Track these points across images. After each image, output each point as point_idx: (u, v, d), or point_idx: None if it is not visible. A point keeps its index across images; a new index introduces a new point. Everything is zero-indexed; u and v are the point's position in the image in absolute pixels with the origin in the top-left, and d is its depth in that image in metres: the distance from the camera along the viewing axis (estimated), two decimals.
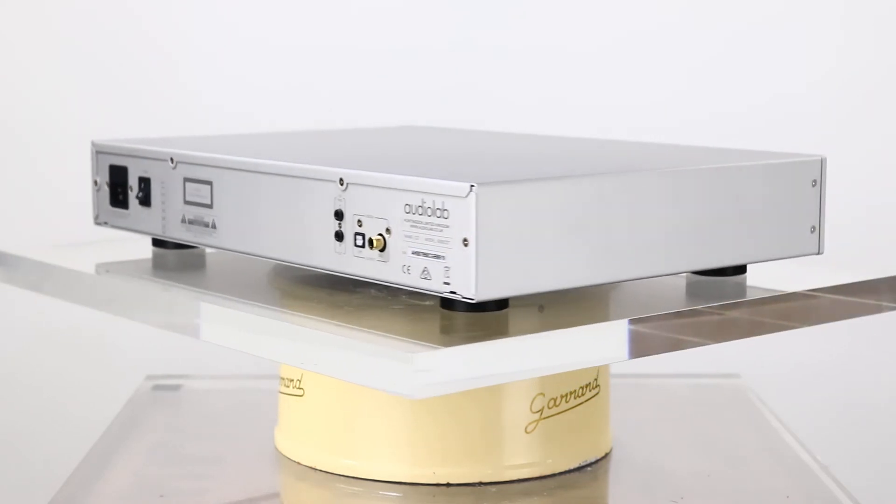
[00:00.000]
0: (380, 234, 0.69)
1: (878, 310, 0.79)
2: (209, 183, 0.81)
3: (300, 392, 0.83)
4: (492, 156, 0.82)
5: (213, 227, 0.81)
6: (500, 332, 0.66)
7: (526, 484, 0.80)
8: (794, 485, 0.83)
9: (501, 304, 0.68)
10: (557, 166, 0.76)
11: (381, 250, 0.69)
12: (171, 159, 0.83)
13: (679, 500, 0.80)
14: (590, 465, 0.83)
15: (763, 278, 0.79)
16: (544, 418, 0.80)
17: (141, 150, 0.86)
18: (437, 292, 0.66)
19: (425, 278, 0.67)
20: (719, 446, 0.91)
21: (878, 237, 1.47)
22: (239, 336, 0.74)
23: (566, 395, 0.81)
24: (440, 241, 0.66)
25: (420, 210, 0.67)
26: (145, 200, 0.85)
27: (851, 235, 1.46)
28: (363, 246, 0.70)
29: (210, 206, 0.81)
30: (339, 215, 0.71)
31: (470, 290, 0.65)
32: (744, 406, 1.00)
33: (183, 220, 0.83)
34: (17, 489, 1.46)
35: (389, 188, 0.68)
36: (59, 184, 1.41)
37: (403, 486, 0.79)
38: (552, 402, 0.80)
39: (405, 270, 0.68)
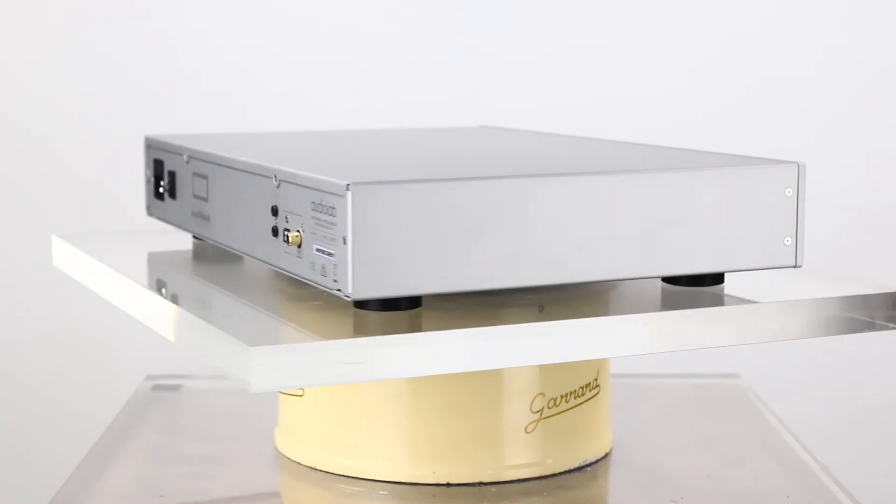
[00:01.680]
0: (297, 231, 0.70)
1: (870, 327, 0.75)
2: (206, 177, 0.83)
3: (300, 392, 0.83)
4: (419, 155, 0.81)
5: (208, 219, 0.82)
6: (370, 331, 0.66)
7: (526, 484, 0.80)
8: (794, 485, 0.83)
9: (414, 302, 0.68)
10: (470, 167, 0.75)
11: (299, 246, 0.69)
12: (185, 155, 0.85)
13: (679, 500, 0.80)
14: (590, 465, 0.83)
15: (740, 289, 0.76)
16: (544, 418, 0.80)
17: (170, 146, 0.88)
18: (329, 289, 0.67)
19: (323, 275, 0.67)
20: (719, 446, 0.91)
21: (882, 242, 1.47)
22: (153, 316, 0.76)
23: (566, 395, 0.81)
24: (331, 239, 0.66)
25: (320, 208, 0.67)
26: (172, 193, 0.88)
27: (853, 240, 1.46)
28: (287, 241, 0.70)
29: (206, 200, 0.83)
30: (274, 211, 0.72)
31: (348, 288, 0.65)
32: (744, 406, 1.00)
33: (193, 213, 0.85)
34: (17, 489, 1.46)
35: (302, 186, 0.69)
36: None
37: (403, 486, 0.79)
38: (552, 402, 0.80)
39: (313, 267, 0.68)
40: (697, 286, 0.75)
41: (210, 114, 1.43)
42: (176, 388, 1.06)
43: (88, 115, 1.44)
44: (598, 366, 0.83)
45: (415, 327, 0.67)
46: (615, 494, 0.82)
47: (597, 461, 0.84)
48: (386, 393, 0.79)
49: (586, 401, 0.82)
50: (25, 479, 1.45)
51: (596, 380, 0.83)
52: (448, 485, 0.79)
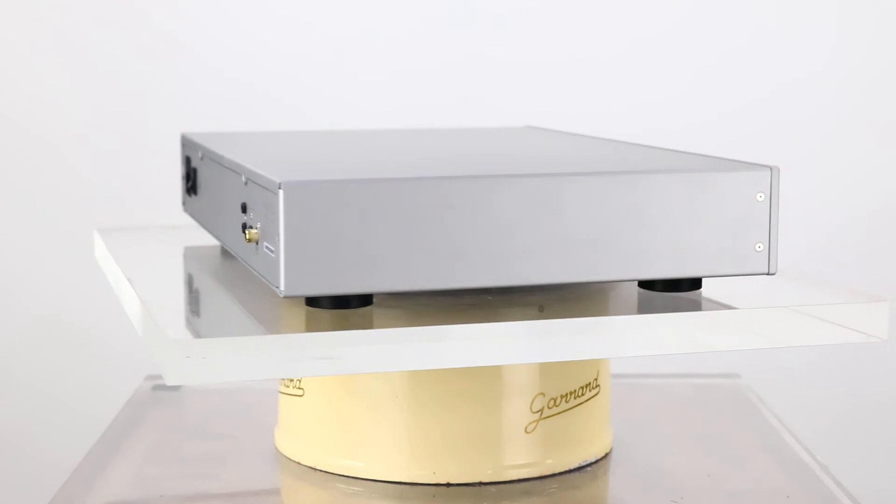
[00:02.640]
0: (255, 228, 0.70)
1: (865, 338, 0.74)
2: (209, 175, 0.84)
3: (300, 392, 0.83)
4: (384, 156, 0.81)
5: (212, 216, 0.84)
6: (299, 328, 0.67)
7: (526, 484, 0.80)
8: (794, 485, 0.83)
9: (364, 300, 0.69)
10: (417, 167, 0.75)
11: (256, 243, 0.70)
12: (200, 152, 0.86)
13: (679, 500, 0.80)
14: (590, 465, 0.83)
15: (717, 293, 0.75)
16: (544, 418, 0.80)
17: (193, 143, 0.89)
18: (272, 286, 0.67)
19: (269, 272, 0.68)
20: (719, 446, 0.91)
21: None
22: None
23: (566, 395, 0.81)
24: (274, 236, 0.67)
25: (267, 205, 0.68)
26: (195, 189, 0.89)
27: (853, 243, 1.46)
28: (247, 238, 0.71)
29: (210, 197, 0.84)
30: (243, 209, 0.73)
31: (280, 284, 0.66)
32: (744, 406, 1.00)
33: (206, 209, 0.86)
34: (17, 489, 1.46)
35: (258, 184, 0.70)
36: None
37: (403, 486, 0.79)
38: (552, 402, 0.80)
39: (264, 264, 0.69)
40: (674, 291, 0.74)
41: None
42: (176, 388, 1.06)
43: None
44: (598, 366, 0.83)
45: (353, 325, 0.67)
46: (615, 494, 0.82)
47: (597, 461, 0.84)
48: (386, 393, 0.79)
49: (586, 401, 0.82)
50: (25, 479, 1.45)
51: (596, 380, 0.83)
52: (448, 485, 0.79)
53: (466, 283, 0.68)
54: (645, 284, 0.75)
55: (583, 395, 0.82)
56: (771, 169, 0.71)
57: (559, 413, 0.81)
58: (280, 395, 0.86)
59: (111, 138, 1.45)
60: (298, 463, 0.84)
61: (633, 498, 0.81)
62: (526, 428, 0.80)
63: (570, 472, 0.82)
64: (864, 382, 1.47)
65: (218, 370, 0.64)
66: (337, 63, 1.45)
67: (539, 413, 0.80)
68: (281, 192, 0.65)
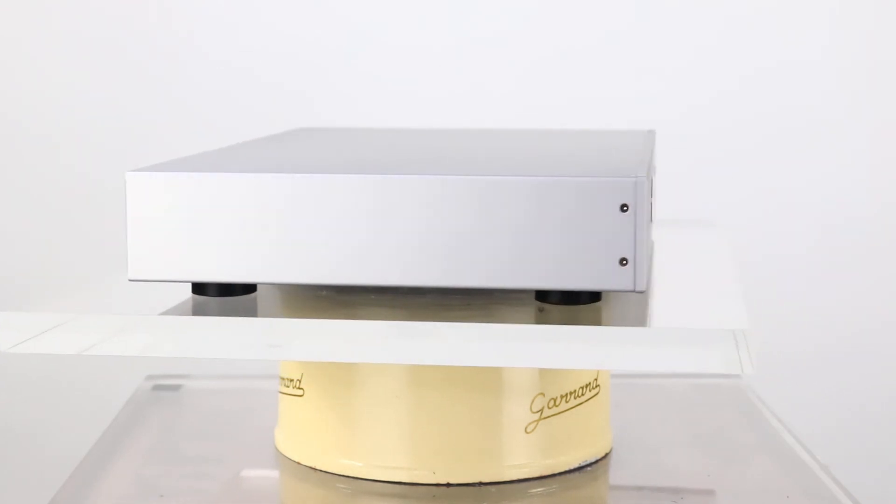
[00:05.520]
0: None
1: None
2: None
3: (300, 392, 0.83)
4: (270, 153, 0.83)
5: None
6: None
7: (526, 484, 0.80)
8: (794, 485, 0.83)
9: (248, 288, 0.72)
10: (262, 162, 0.76)
11: None
12: None
13: (679, 501, 0.80)
14: (590, 465, 0.83)
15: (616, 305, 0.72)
16: (544, 418, 0.80)
17: None
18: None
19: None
20: (719, 446, 0.91)
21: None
22: None
23: (566, 395, 0.81)
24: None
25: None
26: None
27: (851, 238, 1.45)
28: None
29: None
30: None
31: (128, 270, 0.70)
32: (744, 406, 1.00)
33: None
34: (17, 489, 1.46)
35: None
36: None
37: (403, 486, 0.79)
38: (552, 402, 0.80)
39: None
40: (573, 304, 0.71)
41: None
42: (176, 388, 1.06)
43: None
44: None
45: (215, 312, 0.71)
46: (615, 494, 0.82)
47: (597, 461, 0.84)
48: (386, 393, 0.79)
49: (586, 401, 0.82)
50: (25, 479, 1.45)
51: (596, 380, 0.83)
52: (448, 485, 0.79)
53: (300, 279, 0.69)
54: (540, 296, 0.72)
55: (583, 395, 0.82)
56: (635, 180, 0.67)
57: (559, 413, 0.81)
58: (280, 395, 0.86)
59: (111, 137, 1.45)
60: (298, 463, 0.84)
61: (633, 498, 0.81)
62: (526, 428, 0.80)
63: (570, 472, 0.82)
64: (865, 382, 1.47)
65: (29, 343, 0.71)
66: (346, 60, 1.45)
67: (539, 413, 0.80)
68: (126, 182, 0.69)
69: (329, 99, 1.45)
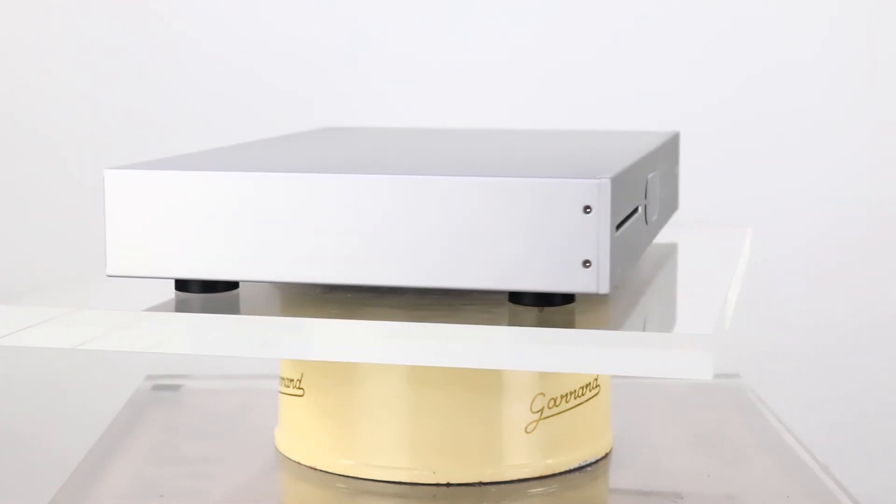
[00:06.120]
0: None
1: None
2: None
3: (300, 392, 0.83)
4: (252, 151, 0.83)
5: None
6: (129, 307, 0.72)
7: (526, 484, 0.80)
8: (794, 485, 0.83)
9: (231, 285, 0.73)
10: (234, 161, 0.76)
11: None
12: None
13: (679, 501, 0.80)
14: (590, 465, 0.83)
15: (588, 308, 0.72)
16: (544, 418, 0.80)
17: None
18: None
19: None
20: (719, 446, 0.91)
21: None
22: None
23: (566, 395, 0.81)
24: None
25: None
26: None
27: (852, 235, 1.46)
28: None
29: None
30: None
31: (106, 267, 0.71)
32: (744, 406, 1.00)
33: None
34: (17, 489, 1.46)
35: None
36: None
37: (403, 486, 0.79)
38: (552, 402, 0.80)
39: None
40: (547, 305, 0.70)
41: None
42: (176, 388, 1.06)
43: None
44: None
45: (194, 309, 0.72)
46: (615, 494, 0.82)
47: (597, 461, 0.84)
48: (386, 393, 0.79)
49: (586, 401, 0.82)
50: (26, 479, 1.45)
51: (596, 380, 0.83)
52: (448, 485, 0.79)
53: (270, 277, 0.70)
54: (513, 298, 0.71)
55: (583, 395, 0.82)
56: (599, 182, 0.66)
57: (559, 413, 0.81)
58: (280, 395, 0.86)
59: (110, 137, 1.45)
60: (298, 463, 0.84)
61: (633, 498, 0.81)
62: (526, 428, 0.80)
63: (570, 472, 0.82)
64: (865, 382, 1.47)
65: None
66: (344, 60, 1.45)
67: (539, 413, 0.80)
68: (104, 179, 0.71)
69: (329, 99, 1.45)
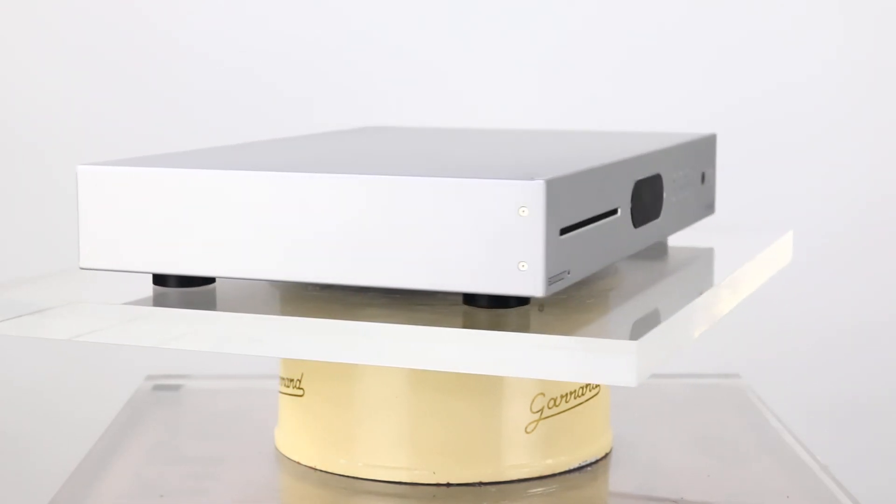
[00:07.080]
0: None
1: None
2: None
3: (300, 392, 0.83)
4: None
5: None
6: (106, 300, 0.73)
7: (526, 484, 0.80)
8: (794, 485, 0.83)
9: (207, 280, 0.75)
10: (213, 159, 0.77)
11: None
12: None
13: (679, 500, 0.80)
14: (590, 465, 0.83)
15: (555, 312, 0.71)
16: (544, 418, 0.80)
17: None
18: None
19: None
20: (719, 446, 0.91)
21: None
22: None
23: (566, 395, 0.81)
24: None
25: None
26: None
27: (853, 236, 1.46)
28: None
29: None
30: None
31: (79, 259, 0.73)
32: (744, 406, 1.00)
33: None
34: (17, 489, 1.46)
35: None
36: None
37: (403, 486, 0.79)
38: (552, 402, 0.80)
39: None
40: (501, 307, 0.69)
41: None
42: (176, 388, 1.06)
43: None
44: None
45: (173, 303, 0.72)
46: (615, 494, 0.82)
47: (597, 461, 0.84)
48: (386, 393, 0.79)
49: (586, 401, 0.82)
50: (26, 480, 1.45)
51: None
52: (448, 485, 0.79)
53: (234, 274, 0.70)
54: (467, 300, 0.70)
55: (583, 395, 0.82)
56: (536, 184, 0.64)
57: (559, 413, 0.81)
58: (280, 395, 0.86)
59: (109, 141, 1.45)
60: (298, 463, 0.84)
61: (633, 498, 0.81)
62: (526, 428, 0.80)
63: (570, 472, 0.82)
64: (864, 382, 1.47)
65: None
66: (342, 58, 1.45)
67: (539, 413, 0.80)
68: (77, 175, 0.72)
69: (329, 99, 1.45)
